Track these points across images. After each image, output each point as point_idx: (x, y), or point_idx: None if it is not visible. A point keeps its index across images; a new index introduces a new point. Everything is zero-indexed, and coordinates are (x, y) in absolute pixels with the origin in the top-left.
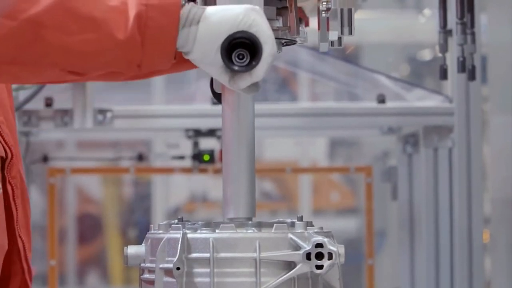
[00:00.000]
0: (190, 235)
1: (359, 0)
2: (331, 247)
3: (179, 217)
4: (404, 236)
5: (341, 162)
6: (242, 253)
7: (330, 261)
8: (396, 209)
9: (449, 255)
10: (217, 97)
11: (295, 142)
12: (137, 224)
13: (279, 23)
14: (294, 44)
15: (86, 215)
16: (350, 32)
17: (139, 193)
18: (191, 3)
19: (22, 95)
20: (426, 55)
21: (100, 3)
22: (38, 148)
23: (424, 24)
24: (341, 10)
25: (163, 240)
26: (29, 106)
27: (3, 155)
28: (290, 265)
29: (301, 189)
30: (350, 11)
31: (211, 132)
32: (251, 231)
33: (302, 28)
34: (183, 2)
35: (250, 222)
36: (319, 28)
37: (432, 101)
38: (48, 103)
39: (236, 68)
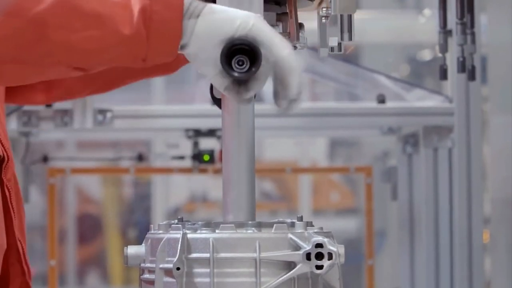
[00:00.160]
0: (190, 235)
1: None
2: (331, 247)
3: (179, 217)
4: (404, 236)
5: (341, 162)
6: (242, 253)
7: (330, 261)
8: (396, 209)
9: (449, 255)
10: (217, 103)
11: (295, 142)
12: (137, 224)
13: (279, 29)
14: (294, 49)
15: (86, 215)
16: (350, 38)
17: (139, 193)
18: None
19: None
20: (426, 55)
21: None
22: (38, 148)
23: (424, 24)
24: (341, 16)
25: (163, 240)
26: (29, 106)
27: (1, 155)
28: (290, 265)
29: (301, 189)
30: (350, 17)
31: (211, 132)
32: (251, 231)
33: (302, 33)
34: None
35: (250, 222)
36: (319, 34)
37: (432, 101)
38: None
39: (235, 74)
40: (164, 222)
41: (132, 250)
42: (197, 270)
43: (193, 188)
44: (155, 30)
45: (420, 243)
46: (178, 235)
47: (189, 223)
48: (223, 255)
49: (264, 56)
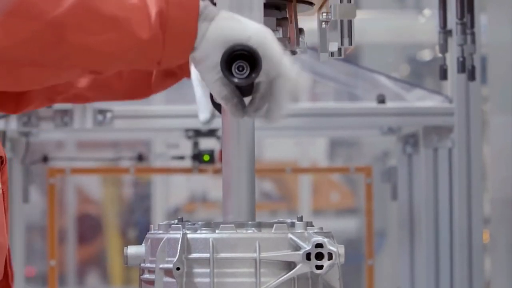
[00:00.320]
0: (190, 235)
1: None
2: (331, 247)
3: (179, 217)
4: (404, 236)
5: (341, 162)
6: (242, 253)
7: (330, 261)
8: (396, 209)
9: (449, 255)
10: (218, 108)
11: (295, 142)
12: (137, 224)
13: (279, 34)
14: (294, 54)
15: (86, 215)
16: (350, 43)
17: (139, 193)
18: (207, 1)
19: None
20: (426, 55)
21: (120, 1)
22: (38, 148)
23: (424, 24)
24: (341, 21)
25: (163, 240)
26: None
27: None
28: (290, 265)
29: (301, 189)
30: (350, 22)
31: (211, 132)
32: (251, 231)
33: (302, 38)
34: None
35: (250, 222)
36: (319, 38)
37: (432, 101)
38: None
39: (235, 80)
40: (164, 222)
41: (132, 250)
42: (197, 270)
43: (193, 188)
44: (171, 33)
45: (420, 243)
46: (178, 235)
47: (189, 223)
48: (223, 255)
49: (266, 71)
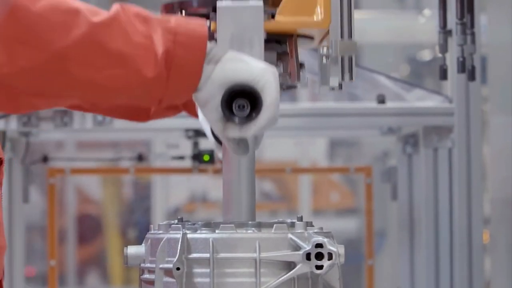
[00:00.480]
0: (190, 235)
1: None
2: (331, 247)
3: (179, 217)
4: (404, 236)
5: (341, 162)
6: (242, 254)
7: (330, 261)
8: (396, 209)
9: (449, 255)
10: (220, 142)
11: (295, 142)
12: (137, 224)
13: (279, 69)
14: (294, 88)
15: (86, 215)
16: (351, 78)
17: (139, 194)
18: (213, 41)
19: None
20: (426, 55)
21: (127, 38)
22: (38, 148)
23: (424, 24)
24: (342, 57)
25: (163, 240)
26: None
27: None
28: (290, 265)
29: (301, 189)
30: (351, 57)
31: None
32: (251, 231)
33: (302, 72)
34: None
35: (250, 222)
36: (319, 72)
37: (432, 101)
38: None
39: (235, 119)
40: (164, 222)
41: (132, 250)
42: (197, 270)
43: (193, 188)
44: (176, 74)
45: (420, 243)
46: (178, 235)
47: (189, 223)
48: (223, 255)
49: (261, 114)
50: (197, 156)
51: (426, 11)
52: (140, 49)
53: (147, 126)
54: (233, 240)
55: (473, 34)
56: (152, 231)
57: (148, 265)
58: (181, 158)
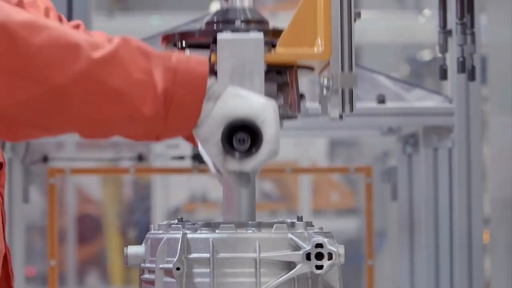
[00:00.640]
0: (190, 235)
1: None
2: (331, 247)
3: (179, 217)
4: (404, 236)
5: (341, 162)
6: (242, 253)
7: (330, 261)
8: (396, 209)
9: (449, 255)
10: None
11: (295, 142)
12: (137, 224)
13: (280, 101)
14: (295, 118)
15: (86, 215)
16: (352, 110)
17: (139, 193)
18: (213, 78)
19: None
20: (426, 55)
21: (126, 75)
22: (38, 148)
23: (424, 24)
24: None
25: (163, 240)
26: None
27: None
28: (290, 265)
29: (301, 189)
30: (351, 90)
31: None
32: (251, 231)
33: (303, 103)
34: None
35: (250, 222)
36: (320, 102)
37: (432, 102)
38: None
39: (235, 153)
40: (164, 222)
41: (132, 250)
42: (197, 270)
43: (193, 188)
44: (174, 112)
45: (420, 243)
46: (178, 235)
47: (189, 223)
48: (223, 255)
49: (262, 149)
50: (197, 156)
51: (426, 11)
52: (139, 86)
53: None
54: (233, 240)
55: (473, 34)
56: (152, 231)
57: (148, 265)
58: (181, 158)
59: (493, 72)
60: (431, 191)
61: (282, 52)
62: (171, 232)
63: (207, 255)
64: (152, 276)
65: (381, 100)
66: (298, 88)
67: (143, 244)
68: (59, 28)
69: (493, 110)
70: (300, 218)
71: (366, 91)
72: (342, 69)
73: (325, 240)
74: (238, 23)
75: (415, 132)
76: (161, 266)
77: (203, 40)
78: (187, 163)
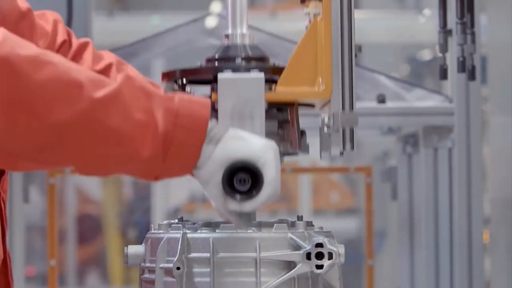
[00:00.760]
0: (190, 235)
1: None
2: (331, 247)
3: (179, 217)
4: (404, 236)
5: (341, 162)
6: (242, 253)
7: (330, 261)
8: (396, 209)
9: (449, 255)
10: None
11: None
12: (137, 224)
13: (280, 138)
14: (295, 155)
15: (86, 215)
16: (352, 148)
17: (139, 193)
18: (214, 120)
19: None
20: (426, 55)
21: (127, 115)
22: None
23: (424, 24)
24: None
25: (163, 240)
26: None
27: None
28: (290, 265)
29: (301, 189)
30: (352, 129)
31: None
32: (251, 231)
33: (304, 140)
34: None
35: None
36: (320, 139)
37: (432, 101)
38: None
39: (236, 195)
40: (164, 222)
41: (132, 249)
42: (197, 269)
43: (193, 188)
44: (173, 155)
45: (420, 243)
46: (178, 234)
47: (189, 222)
48: (223, 255)
49: (262, 191)
50: None
51: (426, 11)
52: (139, 128)
53: None
54: (233, 240)
55: (473, 33)
56: (152, 231)
57: (148, 264)
58: None
59: (493, 72)
60: (431, 191)
61: (283, 91)
62: (171, 231)
63: (207, 254)
64: (152, 276)
65: (381, 100)
66: (299, 125)
67: (143, 244)
68: (63, 65)
69: (493, 110)
70: (300, 218)
71: (366, 91)
72: (343, 108)
73: (325, 239)
74: (239, 60)
75: (415, 132)
76: (161, 265)
77: (204, 77)
78: None
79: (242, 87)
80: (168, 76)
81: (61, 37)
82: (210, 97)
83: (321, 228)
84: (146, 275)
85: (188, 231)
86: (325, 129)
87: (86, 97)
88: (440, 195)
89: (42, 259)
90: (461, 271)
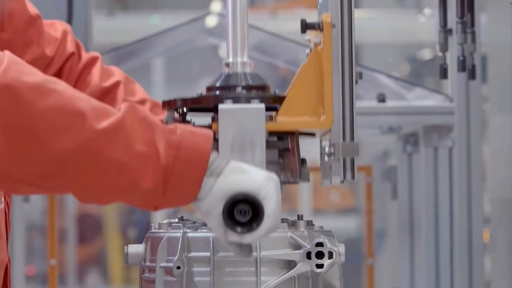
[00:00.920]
0: (190, 234)
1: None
2: (332, 246)
3: (179, 216)
4: (404, 236)
5: None
6: None
7: (331, 260)
8: (396, 209)
9: (449, 255)
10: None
11: None
12: (137, 224)
13: (280, 167)
14: (296, 184)
15: (86, 215)
16: (353, 177)
17: None
18: (215, 152)
19: None
20: (426, 54)
21: (128, 147)
22: None
23: (424, 24)
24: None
25: (164, 239)
26: None
27: None
28: (291, 264)
29: (301, 189)
30: (353, 159)
31: None
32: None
33: (304, 169)
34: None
35: None
36: (321, 167)
37: (432, 101)
38: None
39: (236, 228)
40: (165, 221)
41: (132, 249)
42: (198, 269)
43: None
44: (173, 187)
45: (420, 243)
46: (178, 234)
47: (189, 222)
48: (223, 254)
49: (263, 223)
50: None
51: (426, 10)
52: (140, 160)
53: None
54: None
55: (473, 33)
56: (153, 230)
57: (148, 264)
58: None
59: (493, 71)
60: (431, 191)
61: (284, 121)
62: (171, 231)
63: (208, 254)
64: (152, 275)
65: (381, 99)
66: (299, 153)
67: (143, 243)
68: (67, 93)
69: (493, 109)
70: (300, 217)
71: (366, 90)
72: (344, 138)
73: (326, 239)
74: (239, 89)
75: (415, 131)
76: (161, 265)
77: (205, 105)
78: None
79: (242, 118)
80: (169, 104)
81: (70, 48)
82: (211, 126)
83: (321, 227)
84: (146, 275)
85: (188, 231)
86: (326, 158)
87: (89, 127)
88: (440, 194)
89: (42, 258)
90: (461, 270)
